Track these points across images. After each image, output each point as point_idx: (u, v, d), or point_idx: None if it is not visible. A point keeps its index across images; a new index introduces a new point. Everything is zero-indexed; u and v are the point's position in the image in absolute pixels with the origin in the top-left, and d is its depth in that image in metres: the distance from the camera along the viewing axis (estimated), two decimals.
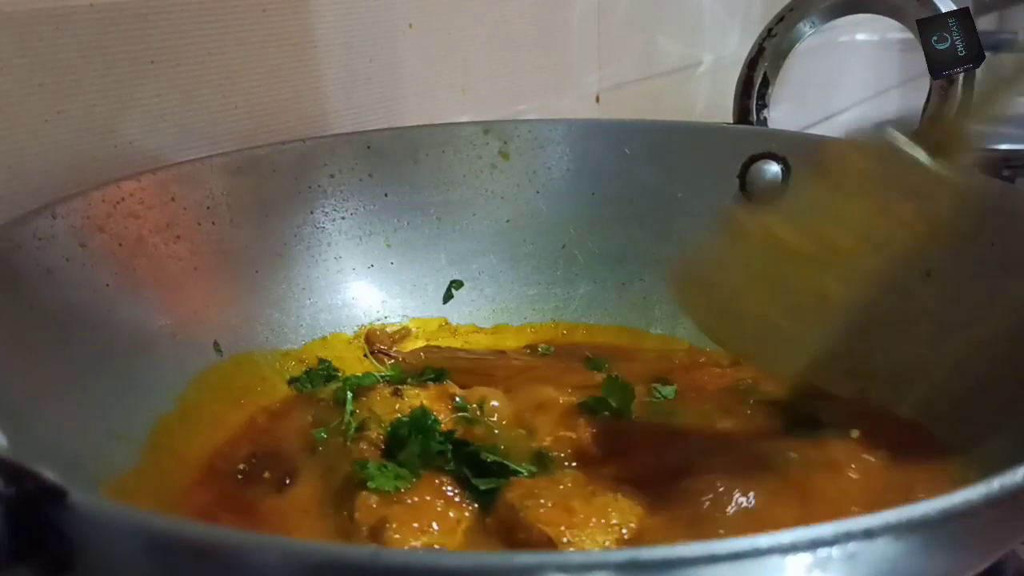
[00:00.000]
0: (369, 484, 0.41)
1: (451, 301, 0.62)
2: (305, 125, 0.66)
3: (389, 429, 0.45)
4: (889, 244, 0.41)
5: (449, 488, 0.42)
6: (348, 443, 0.45)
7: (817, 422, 0.47)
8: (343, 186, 0.60)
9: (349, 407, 0.47)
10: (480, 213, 0.63)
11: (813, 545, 0.23)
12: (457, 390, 0.48)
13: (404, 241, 0.62)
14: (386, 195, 0.61)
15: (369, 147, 0.61)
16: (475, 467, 0.43)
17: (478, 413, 0.46)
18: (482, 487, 0.41)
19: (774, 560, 0.22)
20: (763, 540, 0.22)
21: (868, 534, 0.23)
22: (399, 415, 0.46)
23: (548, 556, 0.23)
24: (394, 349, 0.58)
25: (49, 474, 0.25)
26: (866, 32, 1.48)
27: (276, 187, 0.58)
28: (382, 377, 0.53)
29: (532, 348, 0.61)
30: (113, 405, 0.44)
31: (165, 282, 0.51)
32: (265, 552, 0.24)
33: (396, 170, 0.61)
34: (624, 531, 0.39)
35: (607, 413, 0.48)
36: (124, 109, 0.56)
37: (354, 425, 0.46)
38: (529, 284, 0.63)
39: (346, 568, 0.23)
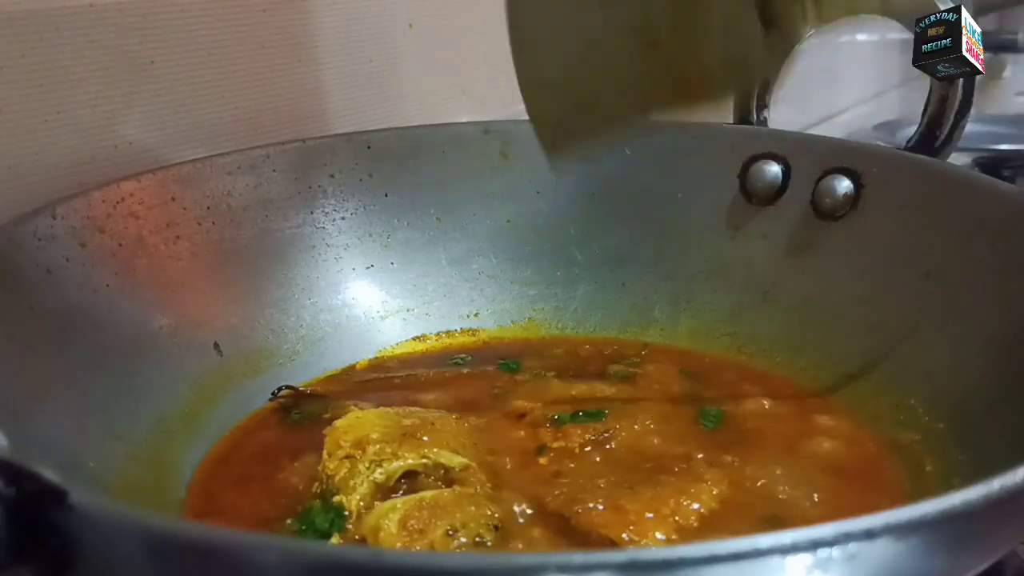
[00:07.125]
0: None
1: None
2: (305, 125, 0.66)
3: None
4: None
5: None
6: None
7: None
8: (343, 186, 0.60)
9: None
10: (480, 213, 0.63)
11: (813, 545, 0.23)
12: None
13: (404, 241, 0.61)
14: (386, 195, 0.61)
15: (369, 147, 0.61)
16: None
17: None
18: None
19: (774, 560, 0.22)
20: (763, 540, 0.22)
21: (868, 534, 0.23)
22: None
23: (548, 556, 0.23)
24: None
25: (49, 474, 0.25)
26: (866, 32, 1.48)
27: (276, 187, 0.58)
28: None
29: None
30: (113, 405, 0.44)
31: (165, 282, 0.51)
32: (265, 552, 0.24)
33: (396, 170, 0.61)
34: (677, 518, 0.39)
35: (582, 414, 0.49)
36: (124, 109, 0.56)
37: None
38: (529, 284, 0.63)
39: (346, 568, 0.23)
